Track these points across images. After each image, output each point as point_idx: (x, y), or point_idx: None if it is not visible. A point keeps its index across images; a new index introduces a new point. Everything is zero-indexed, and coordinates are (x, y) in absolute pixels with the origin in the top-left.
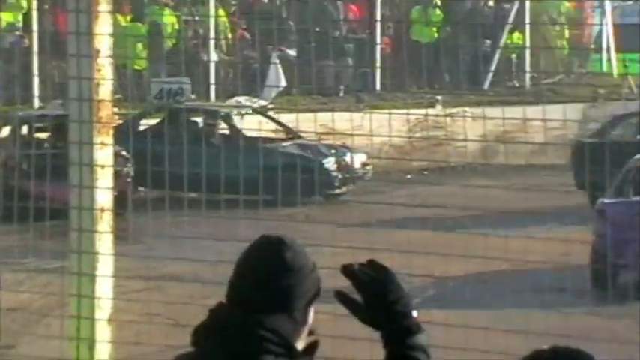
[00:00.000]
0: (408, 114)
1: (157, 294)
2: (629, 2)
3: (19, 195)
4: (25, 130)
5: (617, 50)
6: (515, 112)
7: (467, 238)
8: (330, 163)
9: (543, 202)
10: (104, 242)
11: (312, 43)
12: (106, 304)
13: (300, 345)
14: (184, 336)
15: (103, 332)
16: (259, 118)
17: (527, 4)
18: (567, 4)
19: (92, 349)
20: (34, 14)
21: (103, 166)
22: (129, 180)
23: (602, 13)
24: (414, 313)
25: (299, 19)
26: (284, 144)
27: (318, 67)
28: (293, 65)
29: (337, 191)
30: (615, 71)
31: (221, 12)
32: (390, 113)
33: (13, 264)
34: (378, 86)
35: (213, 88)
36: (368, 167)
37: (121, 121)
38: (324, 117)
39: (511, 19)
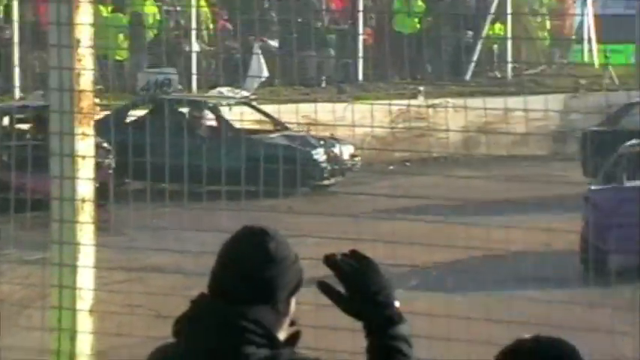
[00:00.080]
0: (390, 105)
1: (138, 285)
2: None
3: None
4: (5, 121)
5: (599, 41)
6: (496, 102)
7: (449, 227)
8: (319, 154)
9: (525, 192)
10: (85, 233)
11: (294, 34)
12: (88, 295)
13: (282, 336)
14: (166, 327)
15: (85, 323)
16: (244, 109)
17: None
18: None
19: (73, 340)
20: (15, 4)
21: (84, 157)
22: (110, 171)
23: (584, 4)
24: (396, 304)
25: (281, 9)
26: (272, 135)
27: (300, 57)
28: (275, 56)
29: (326, 182)
30: (597, 62)
31: (202, 2)
32: (372, 104)
33: None
34: (360, 77)
35: (195, 78)
36: (356, 158)
37: (106, 113)
38: (306, 108)
39: (493, 9)
